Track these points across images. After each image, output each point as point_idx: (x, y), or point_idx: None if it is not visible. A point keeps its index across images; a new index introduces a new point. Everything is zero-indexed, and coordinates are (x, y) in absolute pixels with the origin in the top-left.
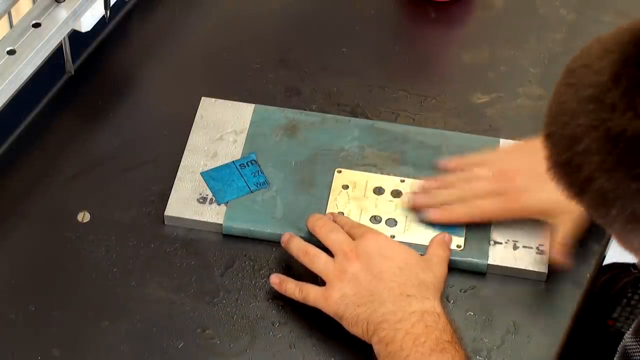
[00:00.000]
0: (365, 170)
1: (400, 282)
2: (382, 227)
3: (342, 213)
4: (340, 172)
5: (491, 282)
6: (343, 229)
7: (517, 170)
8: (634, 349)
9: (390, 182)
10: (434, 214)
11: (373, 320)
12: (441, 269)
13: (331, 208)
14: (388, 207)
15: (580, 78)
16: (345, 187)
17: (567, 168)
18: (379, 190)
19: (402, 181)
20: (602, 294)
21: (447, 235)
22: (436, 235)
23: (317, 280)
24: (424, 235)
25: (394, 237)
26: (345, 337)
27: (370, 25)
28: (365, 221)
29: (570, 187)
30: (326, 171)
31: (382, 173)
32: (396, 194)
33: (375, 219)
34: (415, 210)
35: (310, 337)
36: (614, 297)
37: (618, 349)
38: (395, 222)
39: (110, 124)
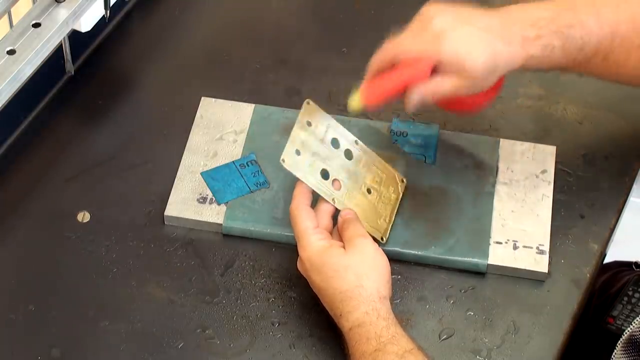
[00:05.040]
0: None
1: (330, 301)
2: (327, 185)
3: (299, 152)
4: (308, 103)
5: (491, 282)
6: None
7: (434, 16)
8: None
9: (345, 138)
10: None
11: None
12: (364, 254)
13: (290, 147)
14: (339, 164)
15: None
16: (309, 124)
17: None
18: (335, 143)
19: (357, 142)
20: (602, 292)
21: (346, 210)
22: (339, 219)
23: None
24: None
25: (334, 201)
26: None
27: (370, 25)
28: (316, 175)
29: None
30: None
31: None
32: (348, 154)
33: (325, 174)
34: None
35: (310, 337)
36: (615, 295)
37: (620, 340)
38: (340, 185)
39: (110, 124)
